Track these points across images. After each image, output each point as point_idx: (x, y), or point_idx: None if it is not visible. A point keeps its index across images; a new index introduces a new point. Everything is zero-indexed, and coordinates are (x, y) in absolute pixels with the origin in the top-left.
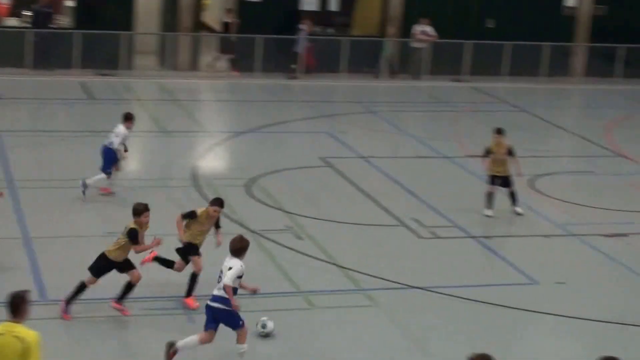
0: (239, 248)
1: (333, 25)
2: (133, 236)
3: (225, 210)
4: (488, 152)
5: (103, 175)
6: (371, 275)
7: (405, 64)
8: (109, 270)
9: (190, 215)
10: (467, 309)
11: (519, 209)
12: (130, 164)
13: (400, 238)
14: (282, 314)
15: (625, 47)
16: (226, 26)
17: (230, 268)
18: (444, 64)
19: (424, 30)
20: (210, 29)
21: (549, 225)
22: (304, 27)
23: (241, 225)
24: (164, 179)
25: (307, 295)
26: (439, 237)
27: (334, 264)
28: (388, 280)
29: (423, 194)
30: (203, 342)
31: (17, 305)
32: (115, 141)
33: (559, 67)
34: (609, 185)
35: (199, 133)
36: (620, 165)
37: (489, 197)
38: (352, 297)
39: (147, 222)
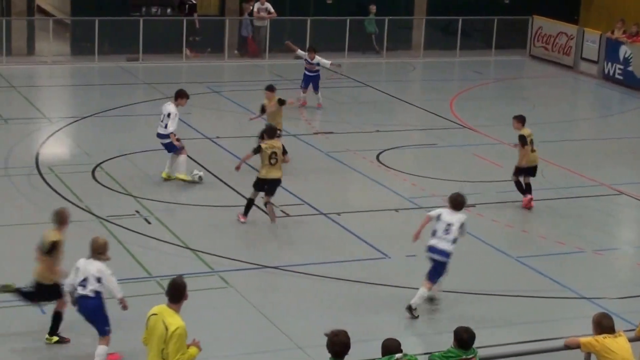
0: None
1: (172, 5)
2: None
3: (71, 197)
4: (264, 109)
5: None
6: (224, 257)
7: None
8: None
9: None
10: (321, 286)
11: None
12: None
13: (253, 218)
14: (135, 300)
15: (461, 19)
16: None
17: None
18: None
19: (264, 8)
20: (45, 13)
21: (398, 199)
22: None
23: (89, 212)
24: (6, 167)
25: (160, 280)
26: (290, 216)
27: (185, 247)
28: (241, 261)
29: None
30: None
31: (177, 291)
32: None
33: (400, 41)
34: (454, 156)
35: (40, 120)
36: (464, 136)
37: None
38: (206, 279)
39: None
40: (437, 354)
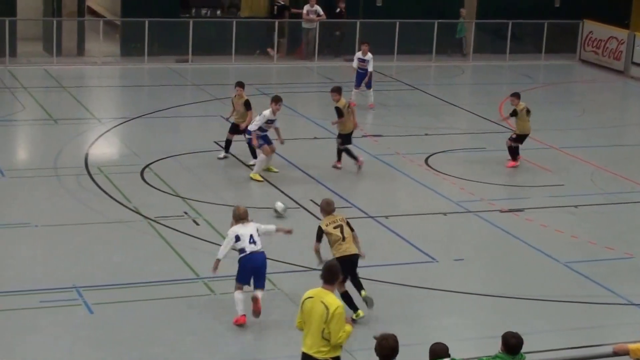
0: None
1: (222, 6)
2: None
3: (120, 198)
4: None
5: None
6: (272, 259)
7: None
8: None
9: None
10: (368, 288)
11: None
12: (21, 154)
13: (299, 220)
14: (183, 301)
15: (511, 23)
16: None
17: None
18: (335, 43)
19: (314, 10)
20: (96, 14)
21: (446, 203)
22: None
23: (137, 212)
24: (56, 167)
25: (207, 282)
26: None
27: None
28: (289, 264)
29: (320, 176)
30: None
31: (332, 274)
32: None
33: (449, 45)
34: (503, 160)
35: (90, 120)
36: None
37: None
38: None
39: None
40: (484, 358)
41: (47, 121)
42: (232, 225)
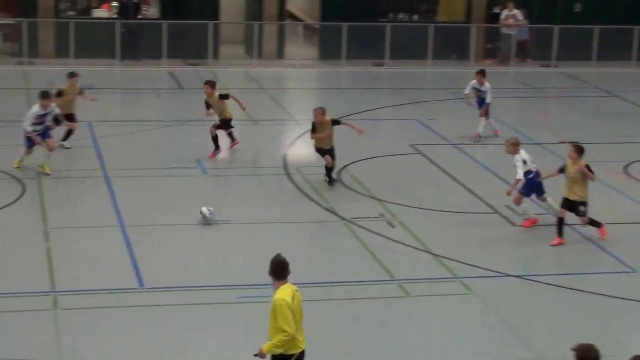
0: None
1: (418, 11)
2: None
3: (317, 198)
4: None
5: None
6: (466, 263)
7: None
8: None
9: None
10: (564, 297)
11: None
12: (222, 153)
13: (494, 225)
14: (378, 302)
15: None
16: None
17: None
18: (531, 49)
19: (512, 14)
20: (295, 18)
21: None
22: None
23: (333, 213)
24: (255, 167)
25: (402, 284)
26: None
27: (428, 251)
28: (484, 269)
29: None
30: None
31: (284, 270)
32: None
33: None
34: None
35: (288, 121)
36: None
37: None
38: (448, 285)
39: None
40: None
41: (248, 122)
42: (513, 152)
